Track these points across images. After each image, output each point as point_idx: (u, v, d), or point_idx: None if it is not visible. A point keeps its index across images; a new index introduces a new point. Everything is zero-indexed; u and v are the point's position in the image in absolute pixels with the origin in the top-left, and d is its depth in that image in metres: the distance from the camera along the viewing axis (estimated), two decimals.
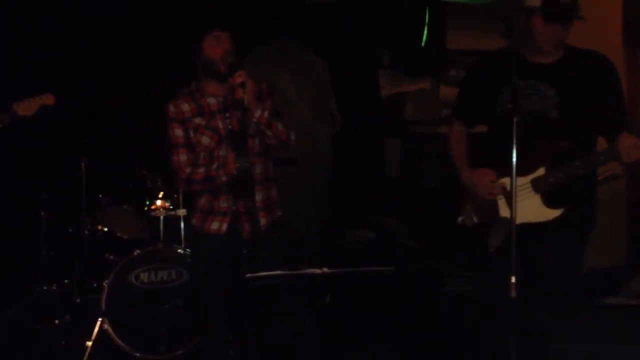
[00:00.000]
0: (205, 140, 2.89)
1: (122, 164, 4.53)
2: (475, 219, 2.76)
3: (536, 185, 2.62)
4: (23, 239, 4.61)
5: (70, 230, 4.36)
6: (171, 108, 2.92)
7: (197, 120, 2.90)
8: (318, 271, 2.61)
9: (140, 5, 4.92)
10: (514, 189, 2.37)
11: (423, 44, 5.13)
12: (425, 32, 5.20)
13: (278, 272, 2.59)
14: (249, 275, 2.63)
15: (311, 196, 4.94)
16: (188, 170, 2.91)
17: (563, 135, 2.60)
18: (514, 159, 2.35)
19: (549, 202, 2.61)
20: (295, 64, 5.13)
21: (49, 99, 3.27)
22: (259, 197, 2.93)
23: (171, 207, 4.04)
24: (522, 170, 2.54)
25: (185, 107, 2.92)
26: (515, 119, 2.35)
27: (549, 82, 2.63)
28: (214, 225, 2.94)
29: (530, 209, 2.61)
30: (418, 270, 4.58)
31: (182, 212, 3.98)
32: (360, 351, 3.78)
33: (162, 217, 3.98)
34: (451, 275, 4.37)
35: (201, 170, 2.89)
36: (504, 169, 2.54)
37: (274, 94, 3.00)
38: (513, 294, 2.33)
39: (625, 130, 2.55)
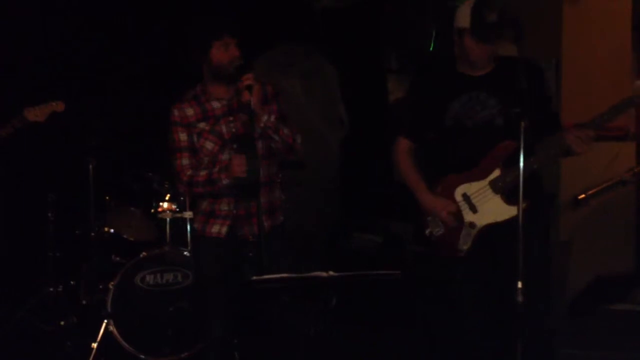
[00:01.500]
0: (209, 145, 2.90)
1: (129, 166, 4.55)
2: (442, 229, 2.86)
3: (494, 185, 2.77)
4: (30, 240, 4.63)
5: (77, 231, 4.37)
6: (175, 112, 2.92)
7: (202, 125, 2.91)
8: (324, 274, 2.60)
9: (150, 8, 4.94)
10: (520, 191, 2.47)
11: (431, 49, 5.12)
12: (434, 36, 5.20)
13: (284, 275, 2.59)
14: (254, 277, 2.62)
15: (318, 200, 4.94)
16: (189, 172, 2.92)
17: (510, 138, 2.71)
18: (522, 162, 2.47)
19: (509, 200, 2.74)
20: (303, 69, 5.14)
21: (59, 106, 3.35)
22: (261, 200, 2.92)
23: (178, 209, 4.04)
24: (478, 175, 2.77)
25: (190, 111, 2.92)
26: (523, 123, 2.46)
27: (488, 92, 2.79)
28: (215, 228, 2.94)
29: (493, 209, 2.76)
30: (425, 276, 4.56)
31: (188, 214, 3.98)
32: (367, 356, 3.76)
33: (168, 219, 3.98)
34: (460, 280, 4.34)
35: (203, 172, 2.90)
36: (459, 176, 2.79)
37: (279, 96, 3.00)
38: (519, 298, 2.37)
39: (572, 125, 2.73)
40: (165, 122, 3.00)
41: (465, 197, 2.80)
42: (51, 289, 4.36)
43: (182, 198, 4.07)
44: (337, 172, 5.16)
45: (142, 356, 3.65)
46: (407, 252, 5.03)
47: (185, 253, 3.86)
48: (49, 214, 4.45)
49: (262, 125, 2.82)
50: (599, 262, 3.86)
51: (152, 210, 4.17)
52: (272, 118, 2.84)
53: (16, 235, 4.68)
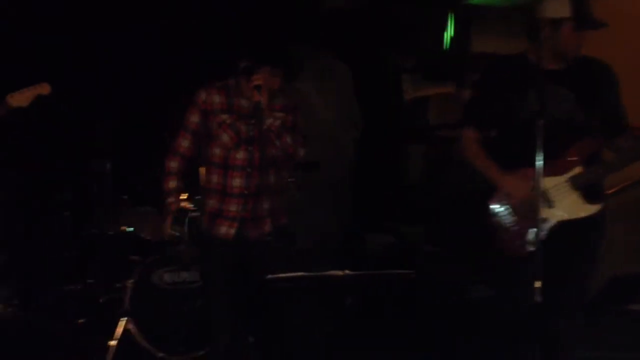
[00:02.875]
0: (225, 138, 2.90)
1: (145, 166, 4.58)
2: (513, 219, 2.78)
3: (575, 182, 2.71)
4: (49, 239, 4.67)
5: (95, 230, 4.39)
6: (202, 95, 2.92)
7: (224, 116, 2.91)
8: (340, 273, 2.61)
9: (169, 4, 4.96)
10: (538, 192, 2.45)
11: (446, 48, 5.12)
12: (448, 35, 5.19)
13: (299, 274, 2.60)
14: (270, 276, 2.64)
15: (332, 200, 4.94)
16: (175, 165, 2.98)
17: (590, 135, 2.70)
18: (539, 162, 2.44)
19: (587, 198, 2.70)
20: (317, 69, 5.14)
21: (44, 88, 3.05)
22: (269, 204, 2.95)
23: (194, 208, 4.06)
24: (559, 170, 2.70)
25: (217, 98, 2.92)
26: (540, 122, 2.44)
27: (568, 87, 2.73)
28: (222, 230, 2.94)
29: (571, 206, 2.71)
30: (438, 276, 4.56)
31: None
32: (379, 355, 3.76)
33: (186, 218, 4.00)
34: (473, 282, 4.34)
35: (173, 182, 2.98)
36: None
37: (297, 110, 3.00)
38: (537, 299, 2.35)
39: None
40: (182, 121, 3.01)
41: (542, 191, 2.67)
42: (69, 288, 4.42)
43: (197, 197, 4.09)
44: (350, 172, 5.15)
45: (160, 354, 3.66)
46: (421, 253, 5.04)
47: None
48: (67, 213, 4.50)
49: (265, 127, 2.83)
50: (616, 262, 3.84)
51: None
52: (277, 123, 2.85)
53: (34, 235, 4.72)
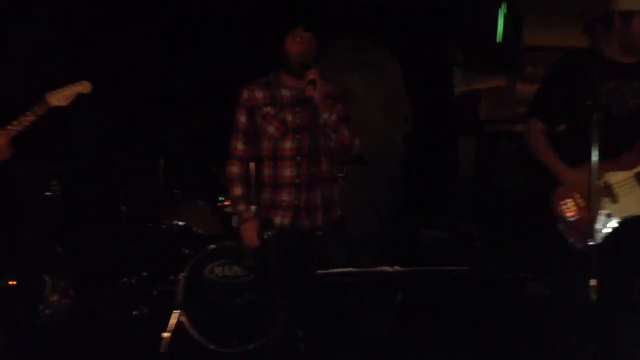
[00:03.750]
0: (271, 129, 2.93)
1: (197, 161, 4.65)
2: (577, 214, 2.75)
3: None
4: (105, 233, 4.79)
5: (149, 225, 4.47)
6: (245, 94, 2.98)
7: (268, 109, 2.94)
8: (390, 269, 2.60)
9: (219, 2, 5.02)
10: (592, 187, 2.44)
11: (499, 41, 5.02)
12: (501, 28, 5.09)
13: (349, 269, 2.60)
14: (320, 272, 2.64)
15: (383, 196, 4.92)
16: (236, 170, 3.00)
17: None
18: (595, 157, 2.43)
19: None
20: (366, 63, 5.11)
21: (85, 87, 2.99)
22: (321, 195, 2.95)
23: None
24: (625, 165, 2.69)
25: (259, 94, 2.97)
26: (595, 117, 2.44)
27: (639, 81, 2.69)
28: (277, 220, 2.97)
29: (637, 202, 2.68)
30: (493, 272, 4.49)
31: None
32: (432, 352, 3.73)
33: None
34: (529, 278, 4.26)
35: (238, 189, 3.01)
36: (602, 164, 2.57)
37: (347, 99, 3.01)
38: (593, 297, 2.31)
39: None
40: (232, 117, 3.05)
41: (607, 186, 2.71)
42: (125, 280, 4.51)
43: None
44: (402, 167, 5.12)
45: (212, 346, 3.71)
46: (475, 248, 4.97)
47: None
48: (123, 208, 4.60)
49: (322, 122, 2.84)
50: None
51: (219, 204, 4.25)
52: (333, 117, 2.85)
53: (92, 229, 4.85)
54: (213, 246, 3.88)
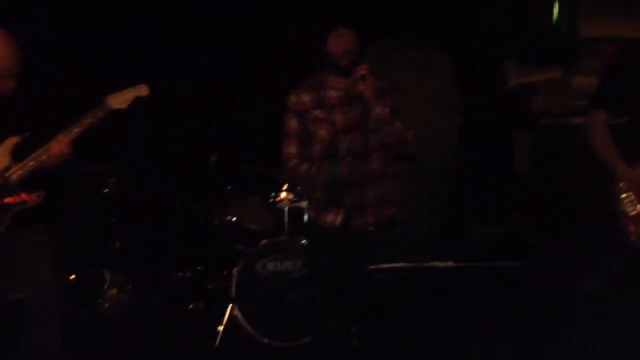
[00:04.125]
0: (322, 132, 2.93)
1: (248, 157, 4.70)
2: (636, 208, 2.70)
3: None
4: (160, 228, 4.89)
5: (202, 220, 4.55)
6: (292, 99, 2.99)
7: (317, 112, 2.95)
8: (442, 265, 2.58)
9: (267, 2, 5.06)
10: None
11: (553, 32, 4.90)
12: (555, 17, 4.97)
13: (401, 264, 2.59)
14: (371, 267, 2.64)
15: (434, 191, 4.87)
16: (294, 162, 2.97)
17: None
18: None
19: None
20: (417, 57, 5.07)
21: (143, 90, 3.00)
22: (374, 192, 2.95)
23: (295, 199, 4.13)
24: None
25: (306, 97, 2.97)
26: None
27: None
28: (329, 218, 2.97)
29: None
30: (548, 269, 4.40)
31: (305, 204, 4.06)
32: (484, 349, 3.68)
33: (286, 209, 4.08)
34: (585, 275, 4.15)
35: (304, 167, 2.92)
36: None
37: (394, 92, 2.99)
38: None
39: None
40: (283, 113, 3.07)
41: None
42: (180, 274, 4.61)
43: (298, 188, 4.16)
44: (454, 162, 5.06)
45: (265, 340, 3.76)
46: (529, 245, 4.87)
47: (302, 242, 3.94)
48: (177, 204, 4.70)
49: (374, 117, 2.83)
50: None
51: (271, 200, 4.30)
52: (386, 110, 2.84)
53: (148, 224, 4.96)
54: (264, 242, 3.92)
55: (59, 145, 2.81)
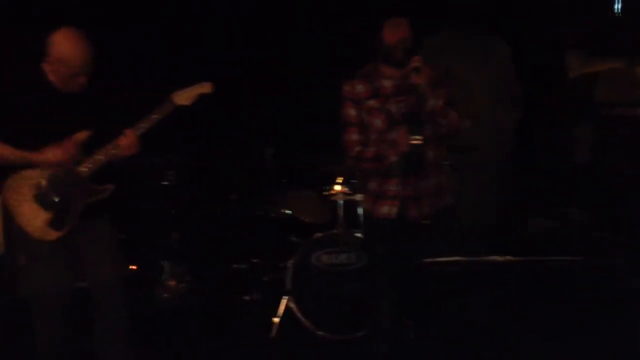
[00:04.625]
0: (377, 122, 2.93)
1: (304, 151, 4.72)
2: None
3: None
4: (217, 221, 4.96)
5: (258, 213, 4.57)
6: (346, 88, 3.00)
7: (371, 102, 2.94)
8: (499, 258, 2.54)
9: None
10: None
11: (616, 20, 4.74)
12: (619, 7, 4.80)
13: (457, 257, 2.56)
14: (426, 260, 2.62)
15: (492, 183, 4.79)
16: (358, 148, 2.96)
17: None
18: None
19: None
20: (474, 48, 4.97)
21: (206, 88, 3.07)
22: (429, 183, 2.92)
23: (350, 191, 4.13)
24: None
25: (360, 88, 2.97)
26: None
27: None
28: (384, 209, 2.96)
29: None
30: (609, 264, 4.27)
31: (360, 196, 4.05)
32: (541, 345, 3.61)
33: (341, 201, 4.08)
34: None
35: (371, 149, 2.93)
36: None
37: (449, 82, 2.96)
38: None
39: None
40: (338, 106, 3.07)
41: None
42: (235, 266, 4.67)
43: (353, 180, 4.16)
44: (512, 154, 4.96)
45: (320, 333, 3.78)
46: (589, 239, 4.74)
47: (357, 235, 3.94)
48: (233, 196, 4.76)
49: (429, 108, 2.80)
50: None
51: (325, 193, 4.30)
52: (440, 102, 2.80)
53: (205, 216, 5.04)
54: (320, 234, 3.93)
55: (128, 140, 2.90)
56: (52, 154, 2.82)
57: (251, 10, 5.12)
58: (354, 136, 2.99)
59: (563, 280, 3.75)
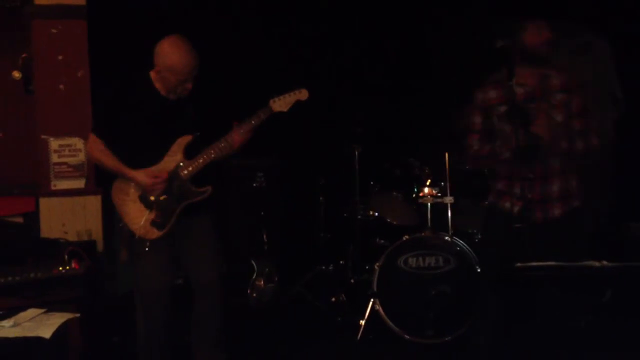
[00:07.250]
0: (507, 128, 2.89)
1: (392, 153, 4.69)
2: None
3: None
4: (305, 222, 5.02)
5: (345, 214, 4.60)
6: (479, 95, 3.01)
7: (503, 108, 2.92)
8: (596, 264, 2.43)
9: None
10: None
11: None
12: None
13: (551, 262, 2.47)
14: (519, 264, 2.54)
15: (591, 185, 4.59)
16: (476, 147, 3.00)
17: None
18: None
19: None
20: (573, 46, 4.80)
21: (303, 94, 3.14)
22: (556, 187, 2.90)
23: (439, 194, 4.07)
24: None
25: (493, 94, 2.97)
26: None
27: None
28: (507, 204, 2.95)
29: None
30: None
31: (449, 199, 3.98)
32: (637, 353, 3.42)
33: (429, 204, 4.03)
34: None
35: (487, 147, 2.96)
36: None
37: (580, 89, 2.90)
38: None
39: None
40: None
41: None
42: (323, 268, 4.70)
43: (442, 183, 4.09)
44: (612, 155, 4.73)
45: (407, 336, 3.74)
46: None
47: (446, 238, 3.87)
48: (321, 198, 4.80)
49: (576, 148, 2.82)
50: None
51: (414, 195, 4.26)
52: (577, 124, 2.81)
53: (293, 218, 5.11)
54: (407, 237, 3.89)
55: (231, 144, 3.02)
56: (142, 177, 2.97)
57: (349, 16, 5.17)
58: (474, 143, 3.03)
59: None
